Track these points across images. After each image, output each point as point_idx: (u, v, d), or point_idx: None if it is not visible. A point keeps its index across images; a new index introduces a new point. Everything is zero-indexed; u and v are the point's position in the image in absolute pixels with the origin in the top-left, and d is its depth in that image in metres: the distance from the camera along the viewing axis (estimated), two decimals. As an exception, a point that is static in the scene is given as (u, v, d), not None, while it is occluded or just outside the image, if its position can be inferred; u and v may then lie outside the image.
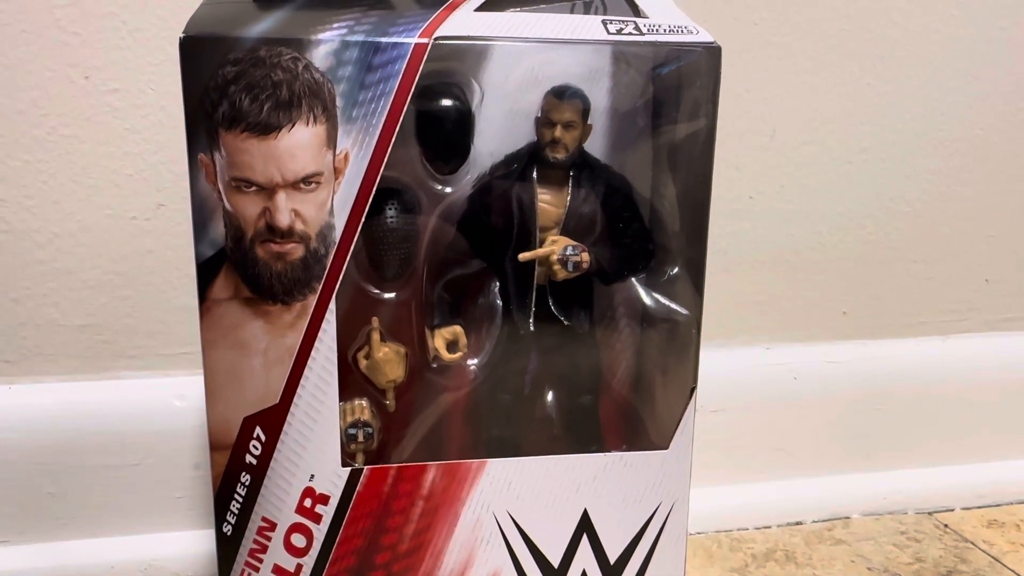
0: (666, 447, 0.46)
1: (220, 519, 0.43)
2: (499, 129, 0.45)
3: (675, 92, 0.45)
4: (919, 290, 0.72)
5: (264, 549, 0.44)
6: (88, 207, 0.58)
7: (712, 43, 0.42)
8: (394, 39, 0.39)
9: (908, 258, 0.71)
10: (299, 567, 0.44)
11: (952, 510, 0.71)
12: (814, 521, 0.69)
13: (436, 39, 0.40)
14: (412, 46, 0.39)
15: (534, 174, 0.45)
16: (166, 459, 0.60)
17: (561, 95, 0.44)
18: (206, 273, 0.41)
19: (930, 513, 0.71)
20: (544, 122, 0.44)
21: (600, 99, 0.45)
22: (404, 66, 0.39)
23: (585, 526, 0.46)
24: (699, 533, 0.66)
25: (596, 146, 0.47)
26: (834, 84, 0.67)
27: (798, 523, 0.68)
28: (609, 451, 0.47)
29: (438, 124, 0.43)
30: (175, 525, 0.61)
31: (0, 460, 0.58)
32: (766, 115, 0.66)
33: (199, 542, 0.60)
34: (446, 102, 0.43)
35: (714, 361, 0.65)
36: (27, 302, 0.59)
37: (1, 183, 0.57)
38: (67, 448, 0.59)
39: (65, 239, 0.59)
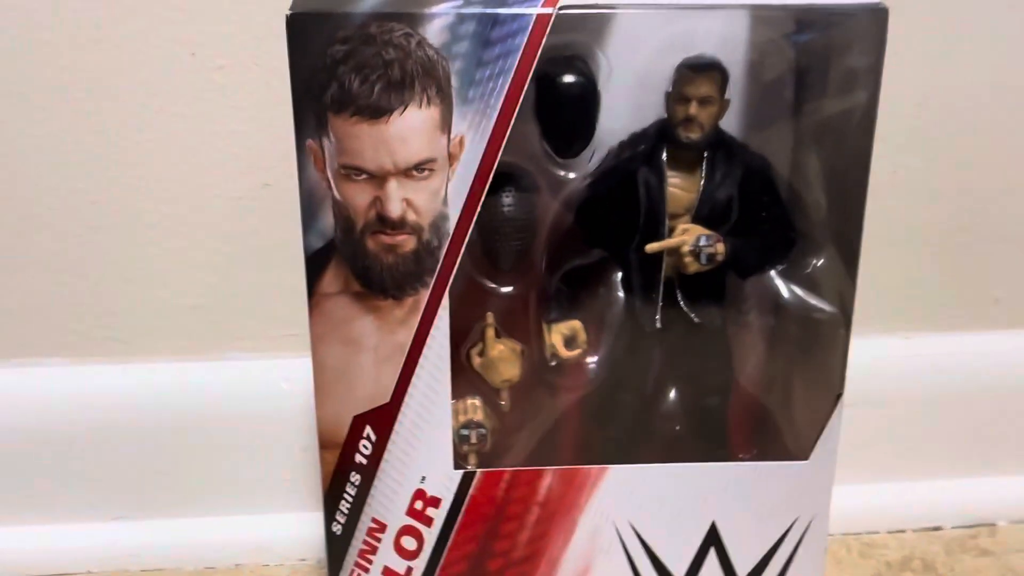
0: (806, 458, 0.42)
1: (330, 518, 0.42)
2: (626, 106, 0.40)
3: (823, 61, 0.40)
4: (1086, 275, 0.64)
5: (374, 550, 0.42)
6: (195, 187, 0.57)
7: (877, 3, 0.37)
8: (514, 10, 0.36)
9: (1074, 239, 0.63)
10: (409, 570, 0.43)
11: (1115, 519, 0.64)
12: (955, 527, 0.63)
13: (560, 8, 0.36)
14: (534, 17, 0.36)
15: (663, 155, 0.41)
16: (274, 441, 0.60)
17: (697, 67, 0.39)
18: (315, 266, 0.39)
19: (1089, 522, 0.64)
20: (677, 97, 0.40)
21: (737, 71, 0.41)
22: (526, 40, 0.36)
23: (713, 539, 0.43)
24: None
25: (731, 123, 0.42)
26: (995, 43, 0.59)
27: (936, 528, 0.63)
28: (737, 457, 0.43)
29: (560, 102, 0.39)
30: (284, 507, 0.61)
31: (115, 438, 0.59)
32: (915, 80, 0.59)
33: (307, 524, 0.60)
34: (569, 78, 0.39)
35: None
36: (139, 282, 0.59)
37: (113, 164, 0.57)
38: (178, 428, 0.59)
39: (174, 219, 0.58)
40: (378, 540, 0.42)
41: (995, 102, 0.60)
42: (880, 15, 0.37)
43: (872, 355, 0.63)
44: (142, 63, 0.55)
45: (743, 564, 0.43)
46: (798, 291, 0.43)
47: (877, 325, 0.64)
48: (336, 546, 0.42)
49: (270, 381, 0.59)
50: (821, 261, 0.42)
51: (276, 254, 0.58)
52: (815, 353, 0.43)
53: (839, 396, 0.41)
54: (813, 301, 0.43)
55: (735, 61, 0.40)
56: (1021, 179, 0.62)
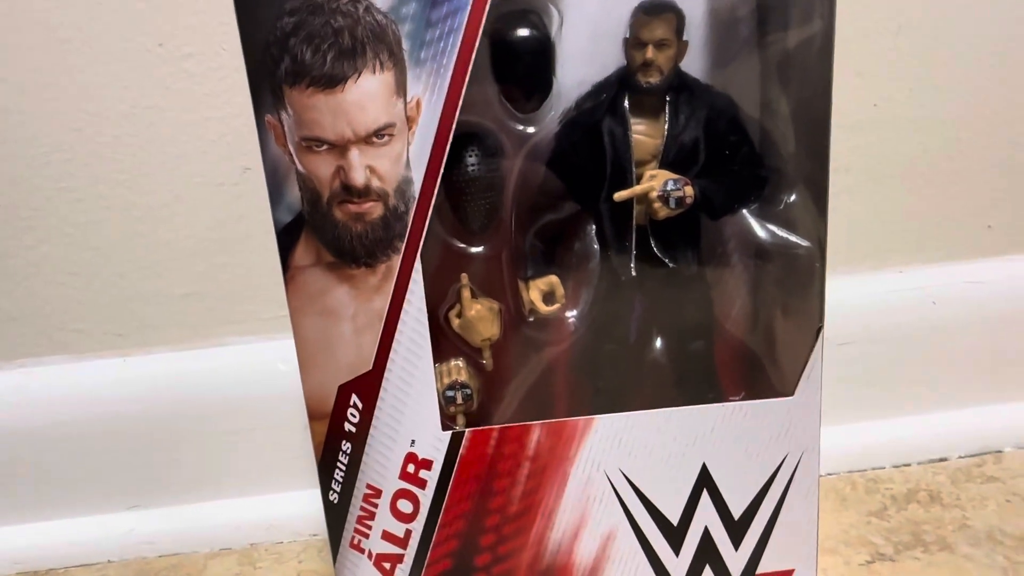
0: (791, 394, 0.42)
1: (326, 488, 0.43)
2: (583, 56, 0.40)
3: (782, -7, 0.40)
4: (1079, 194, 0.63)
5: (372, 516, 0.43)
6: (177, 177, 0.58)
7: (826, -71, 0.36)
8: (459, -33, 0.36)
9: (1065, 159, 0.62)
10: (408, 532, 0.43)
11: (1123, 438, 0.64)
12: (960, 457, 0.63)
13: (505, -38, 0.36)
14: (479, -27, 0.36)
15: (626, 103, 0.41)
16: (277, 422, 0.61)
17: (651, 10, 0.39)
18: (286, 240, 0.39)
19: (1097, 443, 0.63)
20: (634, 43, 0.40)
21: (695, 10, 0.40)
22: (472, -4, 0.36)
23: (705, 481, 0.43)
24: (830, 474, 0.61)
25: (694, 65, 0.42)
26: (970, -36, 0.58)
27: (942, 459, 0.63)
28: (727, 400, 0.44)
29: (515, 57, 0.39)
30: (292, 485, 0.62)
31: (122, 430, 0.60)
32: (889, 8, 0.58)
33: (315, 500, 0.61)
34: (522, 31, 0.39)
35: (840, 290, 0.59)
36: (132, 275, 0.60)
37: (96, 160, 0.57)
38: (182, 416, 0.60)
39: (160, 210, 0.59)
40: (375, 506, 0.43)
41: (974, 24, 0.59)
42: (829, -60, 0.36)
43: (866, 291, 0.63)
44: (113, 59, 0.55)
45: (737, 504, 0.43)
46: (774, 229, 0.43)
47: (870, 261, 0.64)
48: (334, 515, 0.43)
49: (267, 363, 0.60)
50: (793, 197, 0.42)
51: (262, 236, 0.59)
52: (794, 289, 0.43)
53: (820, 329, 0.41)
54: (789, 237, 0.43)
55: (694, 2, 0.40)
56: (1003, 104, 0.61)
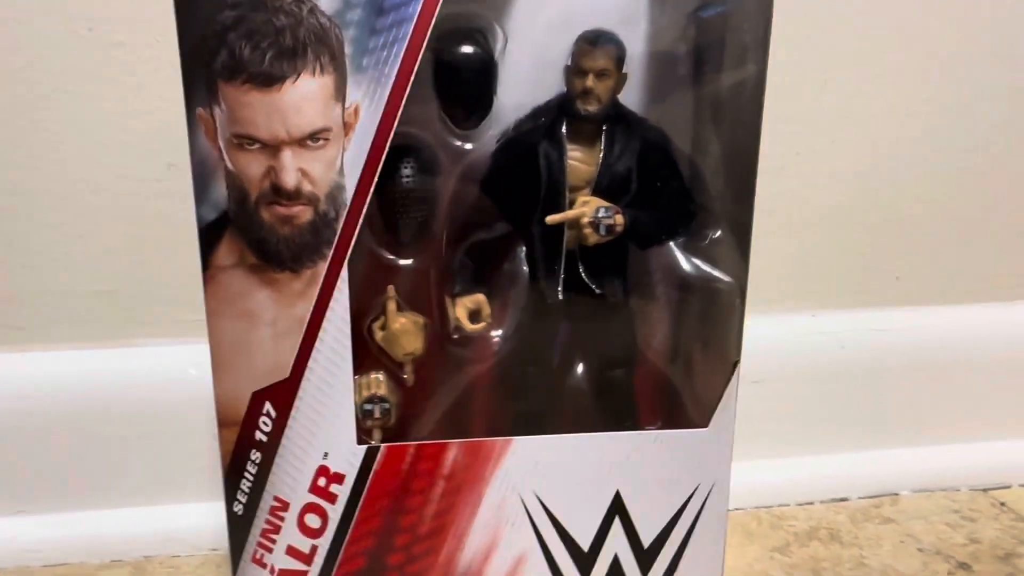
0: (705, 425, 0.43)
1: (231, 498, 0.41)
2: (525, 79, 0.41)
3: (720, 37, 0.41)
4: (979, 253, 0.67)
5: (277, 529, 0.42)
6: (98, 168, 0.56)
7: (763, -21, 0.38)
8: (408, -22, 0.36)
9: (968, 218, 0.66)
10: (314, 548, 0.42)
11: (1009, 487, 0.67)
12: (860, 497, 0.65)
13: (454, -22, 0.36)
14: (427, -14, 0.36)
15: (563, 128, 0.41)
16: (183, 429, 0.58)
17: (594, 41, 0.40)
18: (209, 238, 0.38)
19: (985, 490, 0.66)
20: (575, 71, 0.40)
21: (636, 45, 0.41)
22: (419, 8, 0.36)
23: (617, 508, 0.43)
24: (738, 509, 0.63)
25: (632, 97, 0.42)
26: (895, 30, 0.61)
27: (843, 499, 0.65)
28: (644, 428, 0.44)
29: (457, 73, 0.39)
30: (194, 496, 0.59)
31: (14, 429, 0.57)
32: (817, 63, 0.61)
33: (217, 513, 0.58)
34: (466, 49, 0.39)
35: (756, 328, 0.60)
36: (39, 268, 0.57)
37: (7, 144, 0.54)
38: (81, 417, 0.57)
39: (76, 202, 0.56)
40: (281, 519, 0.41)
41: (893, 82, 0.62)
42: (766, -10, 0.38)
43: (781, 332, 0.65)
44: (37, 40, 0.53)
45: (647, 531, 0.44)
46: (699, 262, 0.44)
47: (786, 303, 0.66)
48: (238, 526, 0.41)
49: (178, 367, 0.58)
50: (718, 234, 0.43)
51: (182, 236, 0.57)
52: (714, 323, 0.44)
53: (736, 364, 0.42)
54: (712, 272, 0.44)
55: (635, 35, 0.41)
56: (916, 161, 0.64)
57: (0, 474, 0.57)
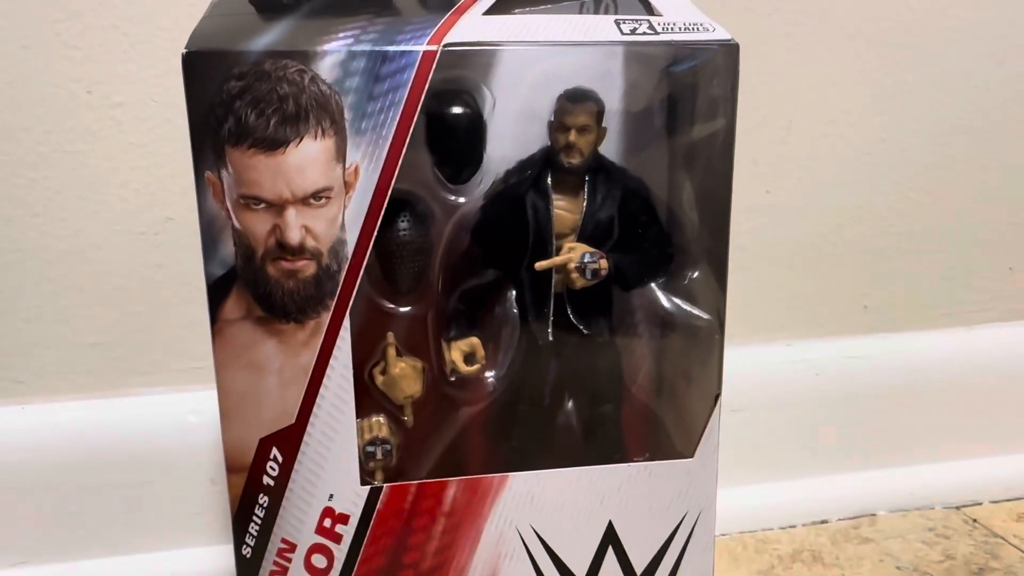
0: (691, 455, 0.45)
1: (239, 542, 0.43)
2: (512, 135, 0.43)
3: (691, 91, 0.44)
4: (942, 281, 0.71)
5: (284, 571, 0.43)
6: (96, 223, 0.57)
7: (729, 40, 0.41)
8: (402, 47, 0.38)
9: (930, 249, 0.70)
10: (320, 588, 0.43)
11: (980, 504, 0.70)
12: (840, 519, 0.68)
13: (445, 46, 0.39)
14: (420, 54, 0.38)
15: (549, 180, 0.44)
16: (183, 475, 0.60)
17: (574, 99, 0.42)
18: (217, 293, 0.40)
19: (958, 508, 0.69)
20: (558, 126, 0.43)
21: (614, 101, 0.44)
22: (413, 75, 0.38)
23: (610, 538, 0.45)
24: (723, 535, 0.65)
25: (611, 149, 0.45)
26: (851, 74, 0.65)
27: (823, 522, 0.67)
28: (632, 460, 0.46)
29: (449, 133, 0.42)
30: (195, 541, 0.60)
31: (16, 481, 0.58)
32: (782, 107, 0.65)
33: (219, 557, 0.60)
34: (457, 110, 0.42)
35: (734, 359, 0.63)
36: (38, 321, 0.58)
37: (7, 202, 0.56)
38: (83, 467, 0.58)
39: (74, 256, 0.58)
40: (288, 560, 0.43)
41: (853, 124, 0.66)
42: (732, 50, 0.41)
43: (758, 362, 0.68)
44: (38, 101, 0.55)
45: (640, 559, 0.46)
46: (679, 302, 0.47)
47: (762, 334, 0.69)
48: (246, 569, 0.43)
49: (177, 415, 0.59)
50: (696, 273, 0.46)
51: (179, 288, 0.59)
52: (695, 358, 0.46)
53: (718, 396, 0.45)
54: (691, 310, 0.46)
55: (613, 92, 0.44)
56: (878, 195, 0.68)
57: (3, 526, 0.58)
